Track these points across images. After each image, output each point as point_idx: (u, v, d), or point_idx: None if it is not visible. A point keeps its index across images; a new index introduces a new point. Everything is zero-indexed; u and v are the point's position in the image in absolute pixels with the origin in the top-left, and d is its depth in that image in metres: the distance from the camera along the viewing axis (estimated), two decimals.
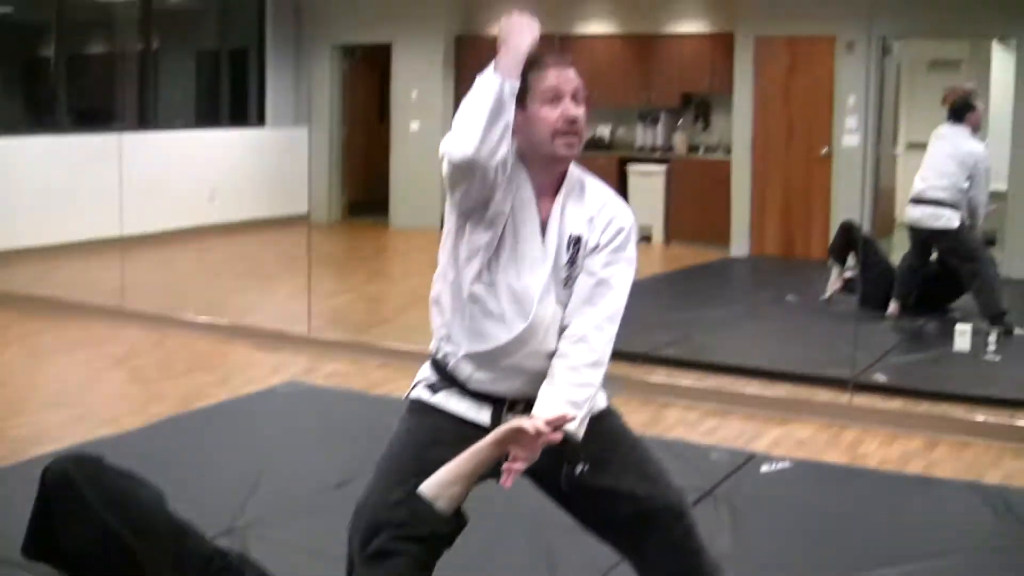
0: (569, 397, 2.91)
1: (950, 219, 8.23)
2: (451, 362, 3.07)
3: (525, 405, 3.00)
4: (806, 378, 6.82)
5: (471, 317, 3.02)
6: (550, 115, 2.93)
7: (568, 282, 3.00)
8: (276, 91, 14.81)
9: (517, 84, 2.83)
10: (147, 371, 7.18)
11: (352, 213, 15.28)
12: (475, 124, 2.76)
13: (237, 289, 10.13)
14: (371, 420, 5.84)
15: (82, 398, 6.49)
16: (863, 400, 6.40)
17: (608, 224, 3.02)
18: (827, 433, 6.01)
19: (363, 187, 15.44)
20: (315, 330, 8.05)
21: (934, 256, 8.78)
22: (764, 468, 5.28)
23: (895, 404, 6.38)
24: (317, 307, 8.53)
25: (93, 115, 13.00)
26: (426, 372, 3.18)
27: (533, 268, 2.96)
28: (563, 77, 2.97)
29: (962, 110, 8.47)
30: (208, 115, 14.46)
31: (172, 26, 14.35)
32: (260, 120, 14.81)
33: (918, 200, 8.41)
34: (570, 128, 2.94)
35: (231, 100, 14.53)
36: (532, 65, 2.94)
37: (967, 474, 5.33)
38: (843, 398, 6.42)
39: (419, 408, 3.13)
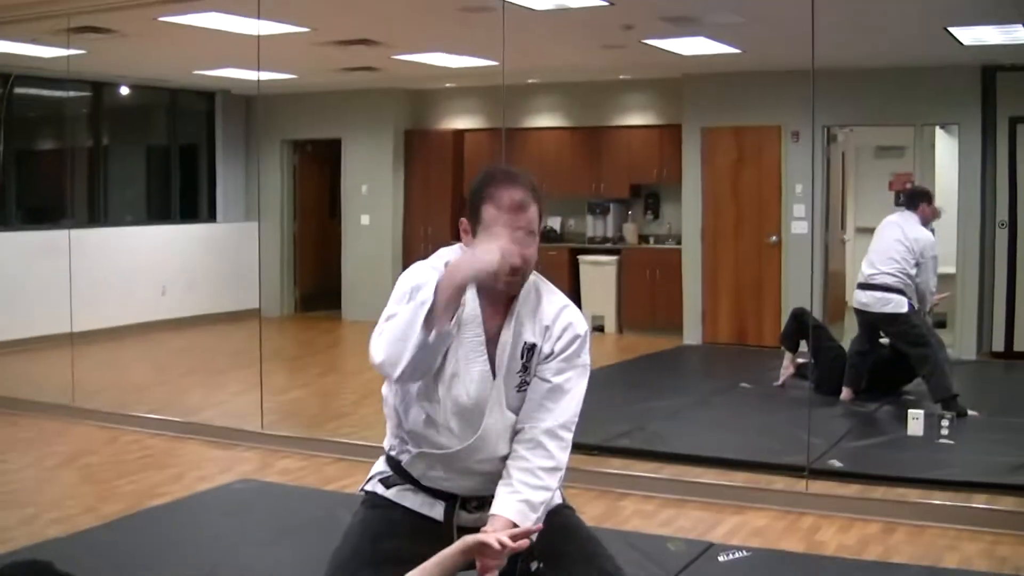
0: (527, 498, 2.91)
1: (898, 304, 8.31)
2: (404, 459, 3.07)
3: (479, 502, 3.00)
4: (762, 466, 6.81)
5: (421, 425, 3.02)
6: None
7: (521, 387, 3.02)
8: (227, 186, 14.83)
9: (446, 336, 2.78)
10: (99, 469, 7.08)
11: (304, 307, 15.25)
12: (401, 352, 2.76)
13: (189, 385, 10.05)
14: (325, 517, 5.79)
15: (33, 497, 6.38)
16: (819, 486, 6.40)
17: (563, 332, 3.04)
18: (784, 520, 6.00)
19: (315, 281, 15.41)
20: (268, 425, 7.98)
21: (885, 340, 8.85)
22: (722, 557, 5.26)
23: (851, 490, 6.38)
24: (270, 402, 8.47)
25: (43, 211, 12.95)
26: (380, 466, 3.19)
27: (481, 383, 2.98)
28: (516, 224, 2.92)
29: (916, 199, 8.60)
30: (159, 210, 14.44)
31: (122, 122, 14.36)
32: (211, 215, 14.80)
33: (866, 285, 8.48)
34: (511, 275, 2.94)
35: (182, 195, 14.52)
36: (490, 199, 2.93)
37: (925, 559, 5.33)
38: (799, 485, 6.42)
39: (373, 501, 3.14)
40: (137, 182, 14.61)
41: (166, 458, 7.41)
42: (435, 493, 3.08)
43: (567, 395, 3.03)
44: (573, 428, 3.05)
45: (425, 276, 2.91)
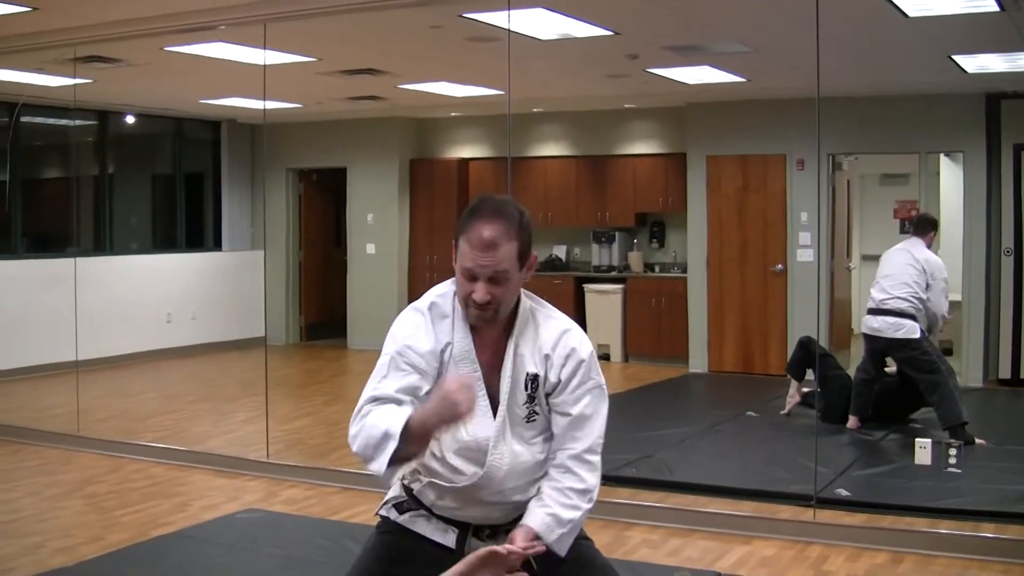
0: (555, 512, 2.94)
1: (911, 330, 8.30)
2: (416, 488, 3.06)
3: (491, 530, 3.00)
4: (769, 495, 6.79)
5: (428, 458, 3.00)
6: (464, 286, 2.95)
7: (530, 418, 3.02)
8: (232, 215, 14.86)
9: (411, 458, 2.82)
10: (103, 498, 7.06)
11: (309, 335, 15.25)
12: (372, 458, 2.78)
13: (194, 414, 10.04)
14: (331, 547, 5.78)
15: (37, 527, 6.36)
16: (827, 515, 6.38)
17: (566, 360, 3.03)
18: (792, 550, 5.97)
19: (320, 309, 15.43)
20: (274, 455, 7.97)
21: (893, 368, 8.83)
22: None
23: (859, 519, 6.35)
24: (275, 431, 8.46)
25: (48, 239, 12.98)
26: (396, 491, 3.18)
27: (481, 420, 2.96)
28: (481, 262, 2.91)
29: (925, 226, 8.62)
30: (164, 239, 14.47)
31: (128, 151, 14.41)
32: (216, 244, 14.83)
33: (878, 311, 8.47)
34: (479, 308, 2.94)
35: (187, 224, 14.55)
36: (465, 231, 2.93)
37: None
38: (807, 514, 6.40)
39: (386, 527, 3.13)
40: (143, 210, 14.65)
41: (171, 487, 7.39)
42: (448, 520, 3.07)
43: (589, 420, 3.03)
44: (600, 450, 3.07)
45: (411, 333, 2.98)
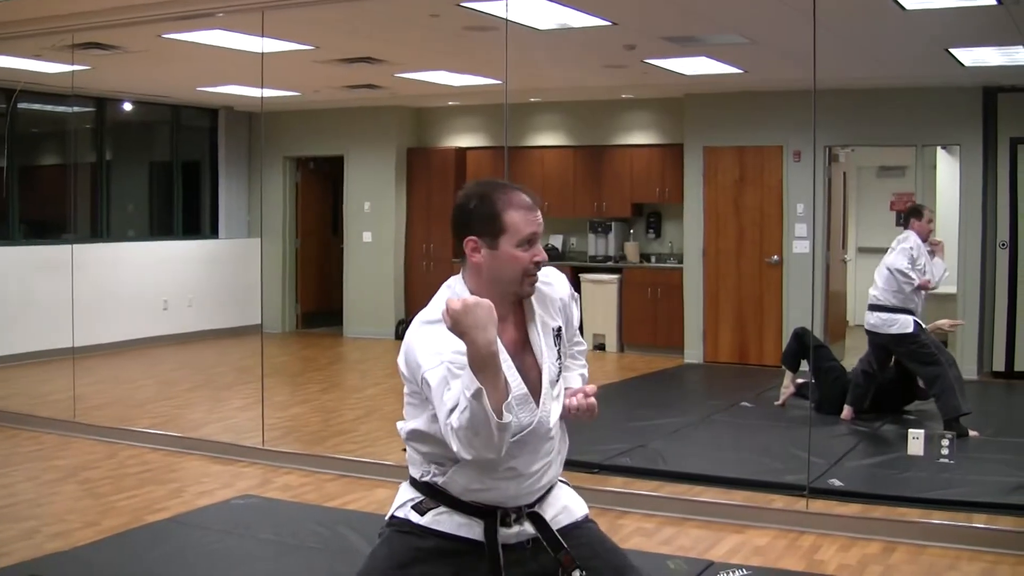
0: (582, 373, 3.31)
1: (903, 324, 8.33)
2: (441, 480, 3.02)
3: (517, 514, 3.01)
4: (762, 485, 6.82)
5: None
6: (523, 257, 2.97)
7: (559, 375, 3.10)
8: (229, 202, 14.86)
9: (510, 409, 2.75)
10: (99, 484, 7.08)
11: (306, 323, 15.26)
12: (488, 440, 2.72)
13: (190, 400, 10.06)
14: (326, 533, 5.81)
15: (33, 511, 6.38)
16: (820, 506, 6.40)
17: (571, 296, 3.25)
18: (784, 539, 6.00)
19: (317, 297, 15.43)
20: (269, 442, 7.99)
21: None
22: None
23: (852, 509, 6.38)
24: (271, 418, 8.48)
25: (45, 226, 12.98)
26: (410, 493, 3.11)
27: (523, 406, 2.96)
28: (537, 224, 3.01)
29: (910, 216, 8.63)
30: (161, 226, 14.46)
31: (125, 138, 14.40)
32: (213, 231, 14.83)
33: (873, 307, 8.52)
34: (537, 270, 3.02)
35: (184, 211, 14.54)
36: (508, 205, 2.98)
37: None
38: (800, 504, 6.43)
39: (404, 528, 3.07)
40: (140, 198, 14.64)
41: (167, 473, 7.41)
42: (474, 511, 3.04)
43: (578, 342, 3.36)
44: None
45: (446, 341, 2.83)
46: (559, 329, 3.12)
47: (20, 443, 8.30)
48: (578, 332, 3.35)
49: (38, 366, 11.23)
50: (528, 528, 3.04)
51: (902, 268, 8.34)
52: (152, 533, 5.92)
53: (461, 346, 2.73)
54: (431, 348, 2.87)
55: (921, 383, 8.83)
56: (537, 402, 2.99)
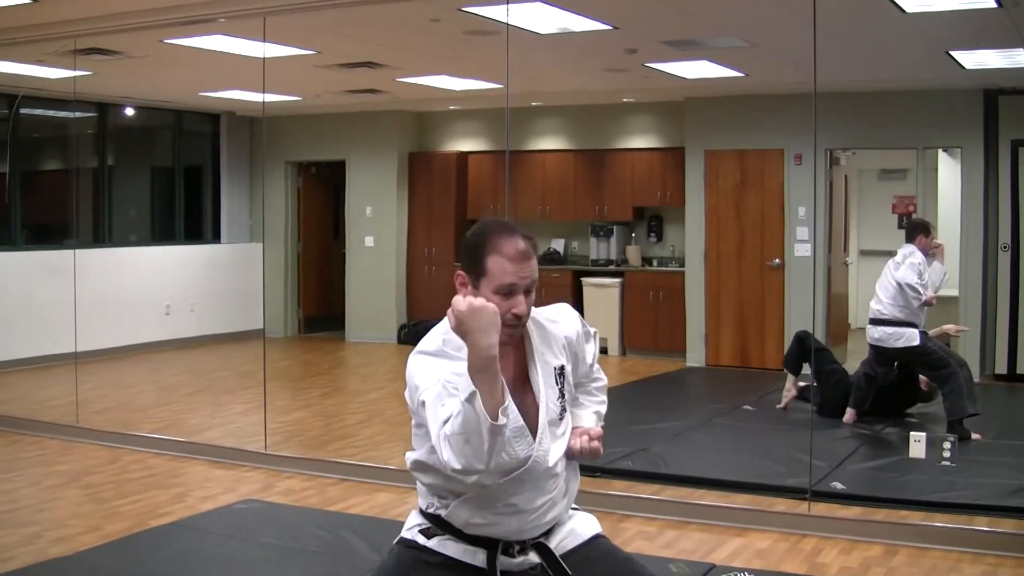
0: (598, 411, 3.31)
1: (910, 338, 8.32)
2: (444, 513, 3.04)
3: (520, 546, 3.01)
4: (764, 488, 6.83)
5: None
6: (500, 306, 2.86)
7: (562, 414, 3.08)
8: (231, 207, 14.88)
9: (505, 414, 2.75)
10: (101, 489, 7.08)
11: (308, 328, 15.27)
12: (479, 447, 2.73)
13: (192, 405, 10.06)
14: (328, 537, 5.81)
15: (35, 516, 6.38)
16: (821, 509, 6.40)
17: (578, 334, 3.21)
18: (786, 543, 6.00)
19: (319, 302, 15.45)
20: (272, 446, 7.99)
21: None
22: None
23: (853, 512, 6.38)
24: (273, 423, 8.49)
25: (48, 231, 12.99)
26: (418, 519, 3.14)
27: (519, 440, 2.93)
28: (523, 273, 2.94)
29: (914, 231, 8.60)
30: (163, 231, 14.48)
31: (127, 143, 14.43)
32: (215, 236, 14.84)
33: (876, 321, 8.49)
34: (516, 322, 2.96)
35: (186, 216, 14.56)
36: (495, 250, 2.93)
37: None
38: (801, 507, 6.42)
39: (412, 545, 3.10)
40: (142, 203, 14.66)
41: (169, 478, 7.42)
42: (477, 542, 3.05)
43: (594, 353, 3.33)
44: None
45: (442, 365, 2.90)
46: (561, 368, 3.10)
47: (22, 448, 8.31)
48: (597, 367, 3.35)
49: (40, 371, 11.24)
50: (532, 557, 3.05)
51: (912, 283, 8.30)
52: (155, 538, 5.93)
53: (459, 370, 2.76)
54: (429, 373, 2.91)
55: (923, 386, 8.85)
56: (534, 438, 2.99)
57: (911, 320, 8.36)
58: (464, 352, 2.77)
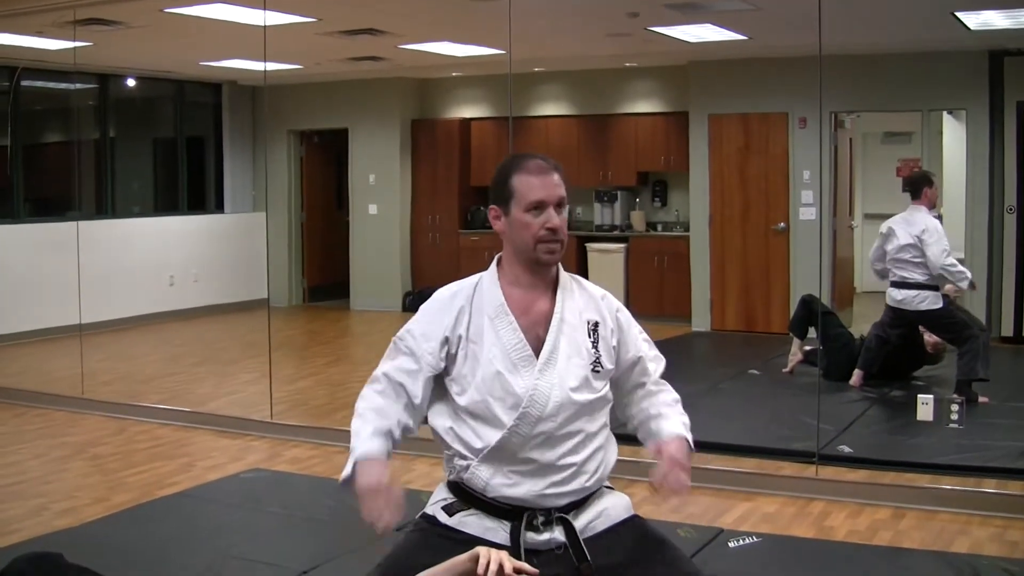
0: (685, 421, 3.37)
1: (933, 300, 8.25)
2: (466, 476, 3.02)
3: (545, 517, 2.98)
4: (771, 452, 6.82)
5: (472, 430, 3.03)
6: (532, 223, 2.97)
7: (595, 368, 3.10)
8: (234, 177, 14.84)
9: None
10: (108, 460, 7.09)
11: (312, 297, 15.26)
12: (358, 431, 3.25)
13: (198, 375, 10.06)
14: (335, 506, 5.80)
15: (42, 488, 6.39)
16: (829, 472, 6.40)
17: (617, 312, 3.22)
18: (794, 506, 6.00)
19: (323, 271, 15.43)
20: (277, 415, 7.99)
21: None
22: (732, 544, 5.26)
23: (861, 475, 6.38)
24: (279, 392, 8.48)
25: (50, 204, 12.97)
26: (442, 493, 3.13)
27: (526, 368, 2.99)
28: (548, 188, 2.99)
29: (918, 187, 8.50)
30: (166, 202, 14.46)
31: (129, 114, 14.39)
32: (218, 206, 14.82)
33: (898, 283, 8.40)
34: (552, 236, 2.99)
35: (189, 187, 14.53)
36: (517, 170, 2.99)
37: (935, 544, 5.33)
38: (809, 471, 6.42)
39: (431, 523, 3.08)
40: (144, 174, 14.62)
41: (175, 448, 7.42)
42: (500, 513, 3.02)
43: (652, 360, 3.35)
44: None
45: (419, 317, 3.15)
46: (596, 324, 3.12)
47: (28, 420, 8.31)
48: (650, 344, 3.39)
49: (45, 343, 11.24)
50: (558, 535, 3.00)
51: (953, 261, 8.20)
52: (162, 508, 5.93)
53: (421, 328, 3.06)
54: (419, 320, 3.13)
55: (929, 348, 8.82)
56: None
57: (933, 282, 8.29)
58: (458, 303, 3.04)
